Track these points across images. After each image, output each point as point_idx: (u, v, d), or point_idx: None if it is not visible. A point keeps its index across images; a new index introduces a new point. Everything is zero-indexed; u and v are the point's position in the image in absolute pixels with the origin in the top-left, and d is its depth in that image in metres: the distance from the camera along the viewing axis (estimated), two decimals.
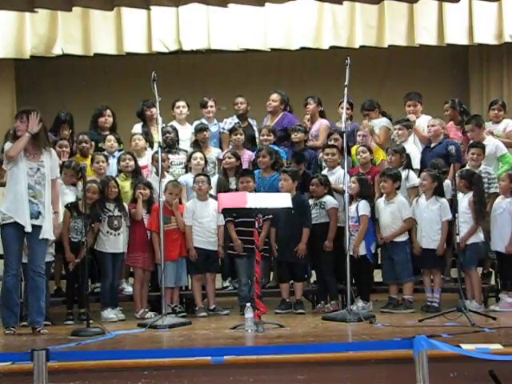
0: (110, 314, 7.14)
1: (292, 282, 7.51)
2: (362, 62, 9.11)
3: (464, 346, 4.55)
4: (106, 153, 8.06)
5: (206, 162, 7.89)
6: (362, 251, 7.26)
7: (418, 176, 7.51)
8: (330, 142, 8.01)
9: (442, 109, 8.49)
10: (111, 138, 8.24)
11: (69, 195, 7.35)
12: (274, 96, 8.58)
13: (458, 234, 6.57)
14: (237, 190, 7.55)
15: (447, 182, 7.34)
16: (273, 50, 9.61)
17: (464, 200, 7.13)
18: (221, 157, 8.21)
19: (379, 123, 8.36)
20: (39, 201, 6.31)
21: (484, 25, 9.37)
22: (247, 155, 8.22)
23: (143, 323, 6.63)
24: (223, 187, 7.70)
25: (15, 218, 6.25)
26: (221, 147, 8.59)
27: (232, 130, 8.33)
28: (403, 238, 7.28)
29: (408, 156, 7.66)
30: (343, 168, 7.13)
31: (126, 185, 7.74)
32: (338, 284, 7.41)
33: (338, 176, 7.58)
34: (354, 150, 7.95)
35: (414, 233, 7.30)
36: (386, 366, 4.65)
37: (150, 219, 7.41)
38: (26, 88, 9.96)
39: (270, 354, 4.68)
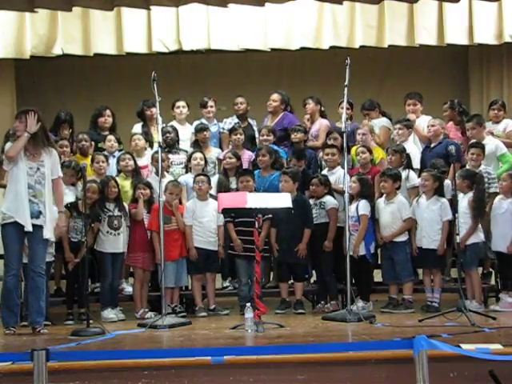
0: (109, 314, 7.14)
1: (292, 281, 7.51)
2: (362, 61, 9.10)
3: (464, 346, 4.55)
4: (106, 153, 8.07)
5: (206, 162, 7.89)
6: (362, 251, 7.27)
7: (418, 176, 7.51)
8: (329, 142, 8.02)
9: (442, 109, 8.50)
10: (111, 138, 8.25)
11: (68, 195, 7.34)
12: (275, 96, 8.58)
13: (457, 234, 6.58)
14: (237, 189, 7.56)
15: (447, 182, 7.34)
16: (273, 49, 9.60)
17: (464, 200, 7.13)
18: (221, 157, 8.21)
19: (379, 123, 8.37)
20: (39, 200, 6.31)
21: (484, 25, 9.36)
22: (247, 155, 8.22)
23: (143, 323, 6.63)
24: (224, 187, 7.70)
25: (15, 218, 6.26)
26: (221, 147, 8.59)
27: (232, 130, 8.33)
28: (403, 238, 7.28)
29: (408, 156, 7.66)
30: (343, 168, 7.13)
31: (126, 184, 7.74)
32: (338, 284, 7.42)
33: (338, 176, 7.59)
34: (353, 150, 7.95)
35: (412, 233, 7.30)
36: (385, 366, 4.65)
37: (150, 219, 7.41)
38: (26, 88, 9.95)
39: (270, 354, 4.68)
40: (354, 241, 7.20)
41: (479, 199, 7.13)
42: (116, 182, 7.42)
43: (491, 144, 7.74)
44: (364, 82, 9.49)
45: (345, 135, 6.90)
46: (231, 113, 8.78)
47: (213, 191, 7.66)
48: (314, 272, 7.81)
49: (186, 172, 8.02)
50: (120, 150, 8.23)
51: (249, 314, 6.16)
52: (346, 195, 6.83)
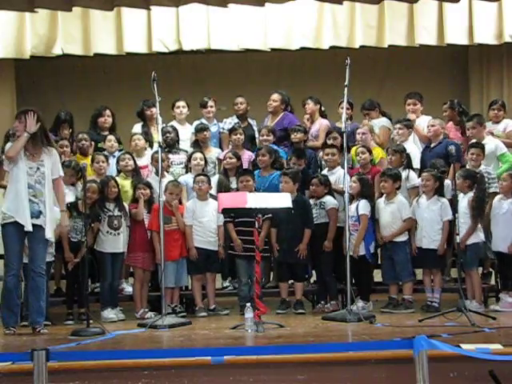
0: (109, 314, 7.14)
1: (292, 281, 7.51)
2: (362, 62, 9.11)
3: (464, 346, 4.55)
4: (106, 153, 8.07)
5: (205, 162, 7.89)
6: (361, 251, 7.27)
7: (419, 176, 7.51)
8: (328, 142, 8.02)
9: (442, 109, 8.50)
10: (111, 138, 8.25)
11: (68, 195, 7.33)
12: (275, 96, 8.58)
13: (457, 234, 6.58)
14: (237, 189, 7.55)
15: (447, 182, 7.34)
16: (273, 49, 9.60)
17: (464, 200, 7.13)
18: (221, 157, 8.21)
19: (379, 123, 8.37)
20: (40, 200, 6.32)
21: (484, 25, 9.36)
22: (247, 155, 8.22)
23: (143, 323, 6.63)
24: (224, 187, 7.70)
25: (16, 218, 6.26)
26: (221, 147, 8.59)
27: (232, 130, 8.33)
28: (403, 238, 7.28)
29: (408, 156, 7.66)
30: (343, 168, 7.14)
31: (126, 184, 7.74)
32: (338, 284, 7.42)
33: (338, 176, 7.58)
34: (353, 151, 7.95)
35: (412, 233, 7.30)
36: (385, 366, 4.65)
37: (150, 219, 7.41)
38: (26, 88, 9.96)
39: (270, 354, 4.68)
40: (354, 241, 7.20)
41: (480, 199, 7.13)
42: (116, 181, 7.42)
43: (491, 144, 7.75)
44: (364, 82, 9.49)
45: (345, 135, 6.90)
46: (231, 113, 8.78)
47: (213, 191, 7.66)
48: (313, 272, 7.81)
49: (186, 172, 8.02)
50: (120, 150, 8.22)
51: (249, 314, 6.16)
52: (346, 195, 6.83)
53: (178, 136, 8.31)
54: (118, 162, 7.88)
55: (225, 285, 8.05)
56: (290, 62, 10.37)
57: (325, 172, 7.79)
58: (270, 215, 7.24)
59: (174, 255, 7.33)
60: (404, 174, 7.49)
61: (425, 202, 7.24)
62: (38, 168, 6.35)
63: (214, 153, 8.35)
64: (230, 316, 7.34)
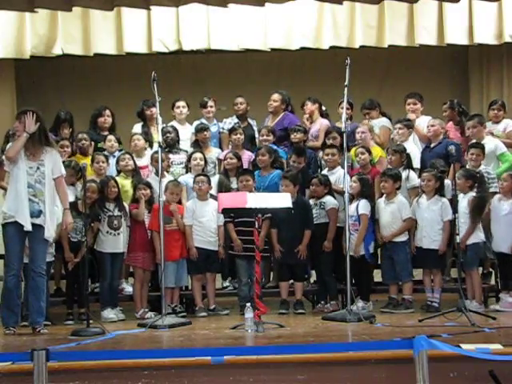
0: (109, 314, 7.14)
1: (292, 281, 7.51)
2: (362, 61, 9.10)
3: (464, 346, 4.55)
4: (106, 153, 8.07)
5: (205, 162, 7.89)
6: (361, 251, 7.27)
7: (419, 176, 7.51)
8: (328, 141, 8.02)
9: (442, 109, 8.50)
10: (111, 138, 8.25)
11: (68, 195, 7.34)
12: (275, 96, 8.58)
13: (457, 234, 6.58)
14: (238, 190, 7.55)
15: (447, 182, 7.34)
16: (273, 49, 9.61)
17: (464, 200, 7.13)
18: (221, 157, 8.21)
19: (379, 123, 8.37)
20: (40, 199, 6.32)
21: (484, 25, 9.36)
22: (247, 155, 8.21)
23: (143, 323, 6.63)
24: (224, 187, 7.70)
25: (16, 217, 6.26)
26: (220, 147, 8.59)
27: (232, 130, 8.33)
28: (403, 238, 7.28)
29: (408, 156, 7.66)
30: (343, 168, 7.14)
31: (127, 184, 7.74)
32: (338, 284, 7.42)
33: (338, 176, 7.58)
34: (352, 151, 7.94)
35: (411, 233, 7.31)
36: (385, 366, 4.65)
37: (151, 219, 7.41)
38: (26, 88, 9.96)
39: (270, 354, 4.68)
40: (354, 241, 7.20)
41: (482, 199, 7.13)
42: (116, 181, 7.41)
43: (491, 143, 7.75)
44: (364, 82, 9.49)
45: (345, 135, 6.90)
46: (231, 113, 8.78)
47: (213, 191, 7.66)
48: (313, 272, 7.81)
49: (187, 172, 8.01)
50: (120, 150, 8.22)
51: (249, 314, 6.16)
52: (346, 195, 6.83)
53: (178, 136, 8.31)
54: (117, 162, 7.88)
55: (225, 285, 8.05)
56: (290, 62, 10.37)
57: (325, 172, 7.79)
58: (269, 214, 7.23)
59: (175, 255, 7.33)
60: (404, 174, 7.49)
61: (425, 202, 7.24)
62: (38, 168, 6.35)
63: (214, 153, 8.35)
64: (230, 316, 7.34)
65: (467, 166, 7.50)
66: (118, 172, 7.85)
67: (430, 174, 7.24)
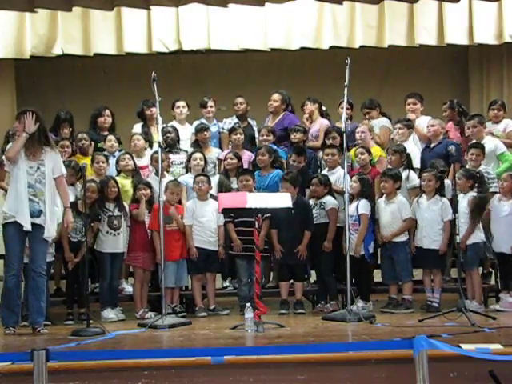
0: (109, 314, 7.14)
1: (292, 281, 7.51)
2: (362, 61, 9.10)
3: (464, 346, 4.55)
4: (106, 153, 8.07)
5: (205, 162, 7.89)
6: (361, 251, 7.26)
7: (419, 176, 7.51)
8: (328, 141, 8.02)
9: (442, 109, 8.51)
10: (112, 138, 8.25)
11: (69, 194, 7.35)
12: (275, 96, 8.58)
13: (457, 234, 6.58)
14: (238, 190, 7.55)
15: (447, 182, 7.34)
16: (273, 49, 9.61)
17: (464, 200, 7.13)
18: (221, 157, 8.21)
19: (379, 123, 8.37)
20: (40, 199, 6.33)
21: (484, 25, 9.36)
22: (247, 155, 8.21)
23: (143, 323, 6.63)
24: (225, 187, 7.70)
25: (16, 217, 6.27)
26: (220, 147, 8.59)
27: (232, 130, 8.33)
28: (403, 238, 7.28)
29: (408, 156, 7.66)
30: (343, 168, 7.14)
31: (127, 183, 7.74)
32: (338, 284, 7.42)
33: (338, 176, 7.58)
34: (352, 151, 7.93)
35: (411, 233, 7.31)
36: (385, 366, 4.65)
37: (151, 219, 7.41)
38: (26, 88, 9.96)
39: (270, 354, 4.68)
40: (354, 241, 7.20)
41: (483, 199, 7.13)
42: (116, 181, 7.41)
43: (490, 143, 7.75)
44: (364, 82, 9.49)
45: (345, 135, 6.90)
46: (231, 113, 8.78)
47: (214, 191, 7.66)
48: (313, 272, 7.81)
49: (187, 172, 8.01)
50: (120, 150, 8.22)
51: (249, 313, 6.16)
52: (346, 195, 6.83)
53: (178, 136, 8.31)
54: (117, 163, 7.87)
55: (225, 285, 8.05)
56: (290, 62, 10.37)
57: (325, 172, 7.79)
58: (268, 214, 7.23)
59: (175, 256, 7.33)
60: (404, 174, 7.49)
61: (425, 202, 7.24)
62: (39, 167, 6.35)
63: (214, 153, 8.35)
64: (230, 316, 7.34)
65: (467, 166, 7.50)
66: (118, 172, 7.85)
67: (431, 173, 7.24)
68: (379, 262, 7.57)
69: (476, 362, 4.37)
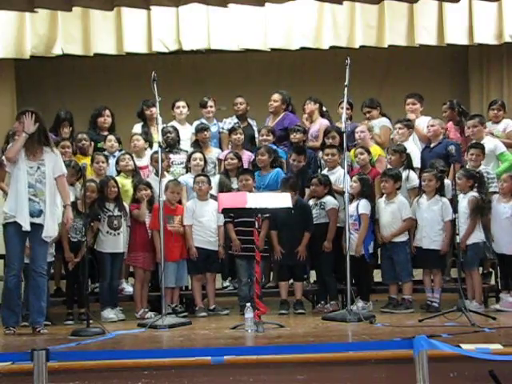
0: (109, 314, 7.14)
1: (291, 281, 7.51)
2: (362, 62, 9.10)
3: (464, 346, 4.55)
4: (106, 153, 8.07)
5: (205, 162, 7.89)
6: (362, 251, 7.26)
7: (419, 175, 7.51)
8: (327, 141, 8.02)
9: (442, 109, 8.51)
10: (112, 138, 8.25)
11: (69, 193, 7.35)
12: (275, 96, 8.58)
13: (457, 234, 6.58)
14: (238, 190, 7.55)
15: (447, 182, 7.34)
16: (273, 49, 9.61)
17: (464, 200, 7.13)
18: (221, 157, 8.21)
19: (379, 123, 8.37)
20: (40, 199, 6.33)
21: (484, 25, 9.36)
22: (247, 156, 8.21)
23: (143, 323, 6.63)
24: (225, 187, 7.70)
25: (16, 217, 6.27)
26: (220, 147, 8.59)
27: (231, 130, 8.33)
28: (403, 238, 7.28)
29: (408, 156, 7.66)
30: (343, 168, 7.14)
31: (127, 183, 7.75)
32: (338, 284, 7.42)
33: (338, 176, 7.58)
34: (352, 152, 7.92)
35: (411, 233, 7.31)
36: (385, 365, 4.65)
37: (152, 219, 7.41)
38: (26, 88, 9.96)
39: (270, 354, 4.68)
40: (354, 241, 7.19)
41: (484, 200, 7.13)
42: (116, 181, 7.41)
43: (490, 143, 7.75)
44: (364, 82, 9.49)
45: (345, 135, 6.90)
46: (231, 113, 8.78)
47: (214, 191, 7.66)
48: (313, 272, 7.80)
49: (187, 172, 8.01)
50: (120, 150, 8.22)
51: (249, 314, 6.16)
52: (346, 195, 6.83)
53: (178, 136, 8.31)
54: (117, 163, 7.88)
55: (225, 285, 8.05)
56: (290, 62, 10.37)
57: (325, 172, 7.79)
58: (267, 214, 7.23)
59: (175, 256, 7.33)
60: (404, 174, 7.49)
61: (425, 202, 7.24)
62: (39, 167, 6.36)
63: (214, 153, 8.35)
64: (230, 316, 7.34)
65: (467, 166, 7.49)
66: (118, 172, 7.85)
67: (431, 174, 7.24)
68: (379, 262, 7.57)
69: (476, 361, 4.37)
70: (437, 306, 6.99)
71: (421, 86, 9.29)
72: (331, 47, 9.51)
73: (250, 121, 8.75)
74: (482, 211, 7.14)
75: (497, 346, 4.70)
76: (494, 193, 7.36)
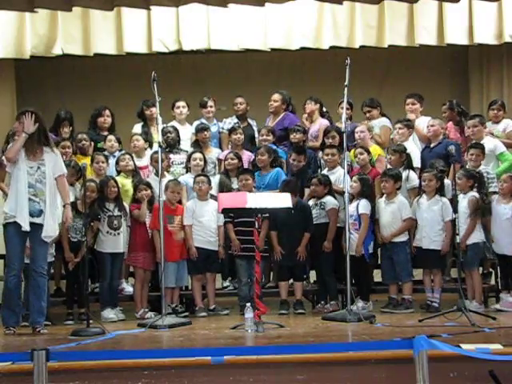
0: (109, 314, 7.14)
1: (291, 281, 7.51)
2: (361, 62, 9.09)
3: (464, 346, 4.55)
4: (106, 153, 8.07)
5: (205, 162, 7.89)
6: (362, 251, 7.26)
7: (419, 175, 7.51)
8: (327, 140, 8.02)
9: (441, 110, 8.51)
10: (112, 138, 8.25)
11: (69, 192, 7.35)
12: (275, 96, 8.58)
13: (457, 234, 6.58)
14: (238, 190, 7.55)
15: (447, 182, 7.34)
16: (273, 49, 9.61)
17: (464, 200, 7.13)
18: (221, 157, 8.21)
19: (379, 123, 8.37)
20: (40, 199, 6.33)
21: (484, 25, 9.36)
22: (247, 156, 8.21)
23: (143, 323, 6.63)
24: (225, 187, 7.70)
25: (16, 217, 6.27)
26: (220, 147, 8.59)
27: (231, 130, 8.33)
28: (403, 238, 7.28)
29: (408, 156, 7.66)
30: (343, 168, 7.14)
31: (127, 183, 7.75)
32: (338, 284, 7.42)
33: (338, 176, 7.58)
34: (352, 152, 7.91)
35: (411, 233, 7.31)
36: (385, 366, 4.65)
37: (152, 219, 7.41)
38: (26, 88, 9.96)
39: (270, 354, 4.68)
40: (354, 241, 7.19)
41: (484, 200, 7.13)
42: (116, 181, 7.41)
43: (490, 143, 7.75)
44: (364, 82, 9.49)
45: (345, 135, 6.90)
46: (231, 113, 8.79)
47: (214, 191, 7.66)
48: (313, 272, 7.80)
49: (187, 172, 8.01)
50: (120, 150, 8.22)
51: (249, 314, 6.16)
52: (346, 195, 6.83)
53: (178, 136, 8.31)
54: (117, 163, 7.88)
55: (225, 285, 8.05)
56: (290, 62, 10.37)
57: (325, 172, 7.79)
58: (266, 214, 7.22)
59: (175, 256, 7.33)
60: (404, 174, 7.49)
61: (425, 202, 7.24)
62: (39, 167, 6.36)
63: (214, 153, 8.35)
64: (230, 316, 7.34)
65: (467, 166, 7.49)
66: (118, 172, 7.85)
67: (431, 174, 7.24)
68: (379, 262, 7.57)
69: (476, 361, 4.37)
70: (437, 306, 6.99)
71: (421, 86, 9.29)
72: (331, 47, 9.51)
73: (250, 121, 8.75)
74: (482, 211, 7.14)
75: (497, 346, 4.70)
76: (494, 193, 7.36)
